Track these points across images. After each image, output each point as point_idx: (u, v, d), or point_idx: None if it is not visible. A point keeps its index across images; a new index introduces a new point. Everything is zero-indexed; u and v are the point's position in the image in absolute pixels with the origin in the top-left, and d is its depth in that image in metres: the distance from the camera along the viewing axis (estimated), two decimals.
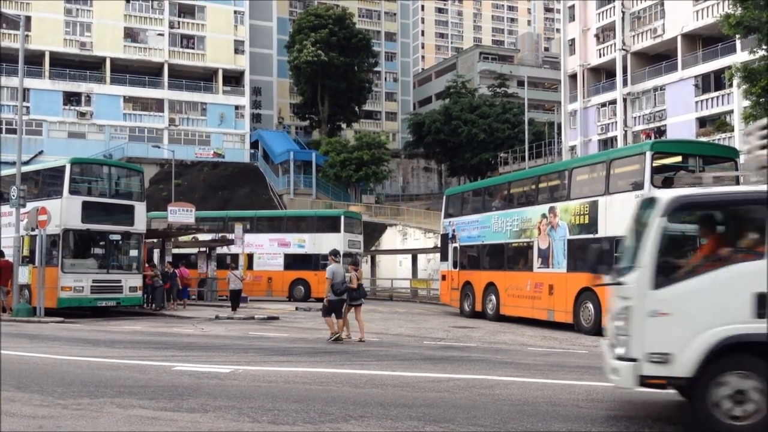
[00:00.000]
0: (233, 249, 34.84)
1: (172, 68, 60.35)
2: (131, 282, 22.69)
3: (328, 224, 33.24)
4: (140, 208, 23.30)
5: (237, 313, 22.60)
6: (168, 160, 53.27)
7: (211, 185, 55.90)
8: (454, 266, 24.67)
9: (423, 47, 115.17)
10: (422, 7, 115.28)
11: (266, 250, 33.39)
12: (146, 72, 60.33)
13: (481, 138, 60.73)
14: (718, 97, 40.83)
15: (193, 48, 61.49)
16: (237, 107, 62.21)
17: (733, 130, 38.91)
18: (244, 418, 7.03)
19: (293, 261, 33.13)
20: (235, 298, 23.48)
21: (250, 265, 33.06)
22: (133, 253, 23.51)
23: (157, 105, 60.01)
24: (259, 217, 36.22)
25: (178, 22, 61.23)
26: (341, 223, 32.67)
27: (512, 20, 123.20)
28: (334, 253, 16.67)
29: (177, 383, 9.01)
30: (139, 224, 23.21)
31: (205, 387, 8.76)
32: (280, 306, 28.49)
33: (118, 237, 22.80)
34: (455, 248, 24.63)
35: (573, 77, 51.90)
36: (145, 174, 27.67)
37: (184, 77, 61.01)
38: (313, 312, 25.35)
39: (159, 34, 60.30)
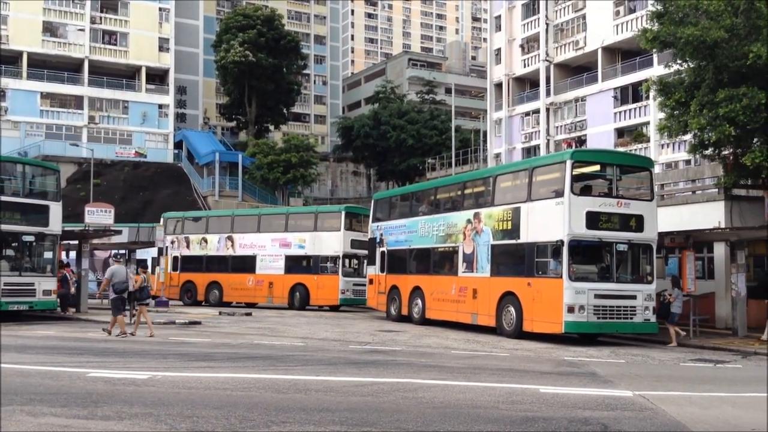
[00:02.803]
0: (154, 252, 33.89)
1: (92, 64, 58.38)
2: (45, 285, 21.78)
3: (329, 222, 29.64)
4: (55, 209, 22.40)
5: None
6: (87, 159, 51.45)
7: (132, 185, 54.32)
8: (382, 270, 24.74)
9: (353, 51, 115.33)
10: (352, 11, 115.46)
11: (268, 251, 30.39)
12: (65, 68, 58.17)
13: (410, 143, 61.25)
14: (635, 108, 42.45)
15: (115, 44, 59.66)
16: (161, 106, 60.69)
17: (648, 141, 40.53)
18: (162, 425, 6.84)
19: (293, 264, 29.85)
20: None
21: (251, 268, 30.61)
22: (48, 254, 22.58)
23: (76, 102, 57.93)
24: (263, 215, 33.33)
25: (100, 18, 59.30)
26: (342, 221, 28.78)
27: (441, 28, 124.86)
28: (116, 255, 18.66)
29: (91, 390, 8.70)
30: (54, 225, 22.29)
31: (121, 394, 8.49)
32: (203, 310, 27.94)
33: (31, 238, 21.85)
34: (383, 252, 24.71)
35: (499, 86, 52.97)
36: (62, 173, 26.63)
37: (105, 74, 59.09)
38: (237, 317, 24.96)
39: (80, 29, 58.25)
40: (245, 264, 30.82)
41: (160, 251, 32.85)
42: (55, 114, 57.04)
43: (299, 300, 29.46)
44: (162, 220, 34.23)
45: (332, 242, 28.51)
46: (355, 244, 28.31)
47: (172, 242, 32.82)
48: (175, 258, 32.74)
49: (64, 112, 57.39)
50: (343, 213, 29.16)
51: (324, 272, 28.80)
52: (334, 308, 29.50)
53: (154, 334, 16.71)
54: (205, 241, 32.19)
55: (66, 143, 53.90)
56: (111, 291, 16.63)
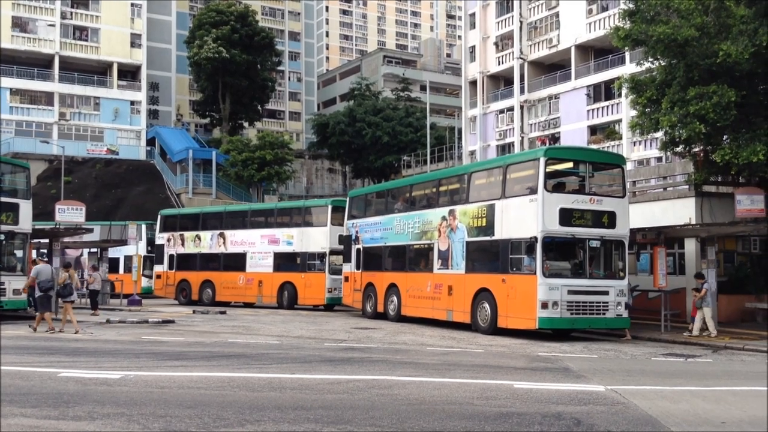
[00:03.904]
0: (126, 250, 33.53)
1: (63, 60, 57.57)
2: (15, 284, 21.41)
3: (315, 217, 28.34)
4: (25, 207, 22.03)
5: (107, 313, 22.18)
6: (58, 157, 50.76)
7: (104, 183, 53.67)
8: (357, 267, 24.70)
9: (327, 48, 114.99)
10: (326, 8, 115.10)
11: (258, 248, 29.25)
12: (35, 64, 57.28)
13: (385, 141, 61.23)
14: (607, 106, 42.88)
15: (86, 40, 58.85)
16: (133, 102, 60.05)
17: (621, 138, 40.97)
18: (134, 425, 6.77)
19: (282, 261, 28.64)
20: (94, 298, 24.61)
21: (242, 266, 29.62)
22: (18, 253, 22.21)
23: (46, 98, 57.05)
24: (253, 211, 32.35)
25: (71, 13, 58.48)
26: (328, 215, 27.40)
27: (415, 25, 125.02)
28: (41, 255, 19.14)
29: (62, 390, 8.59)
30: (24, 223, 21.93)
31: (93, 394, 8.39)
32: (177, 309, 27.70)
33: (1, 237, 21.47)
34: (358, 250, 24.67)
35: (473, 84, 53.17)
36: (32, 171, 26.27)
37: (76, 70, 58.30)
38: (211, 315, 24.80)
39: (50, 25, 57.38)
40: (236, 262, 29.90)
41: (160, 250, 32.48)
42: (25, 111, 56.16)
43: (287, 299, 28.25)
44: (159, 217, 33.91)
45: (319, 238, 27.33)
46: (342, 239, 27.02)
47: (168, 240, 32.40)
48: (171, 256, 32.24)
49: (34, 109, 56.52)
50: (330, 207, 27.70)
51: (312, 270, 27.55)
52: (327, 307, 28.02)
53: (78, 331, 17.18)
54: (199, 239, 31.46)
55: (36, 140, 53.15)
56: (37, 289, 17.45)
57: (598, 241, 17.25)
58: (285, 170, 56.23)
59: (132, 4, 60.36)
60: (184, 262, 31.82)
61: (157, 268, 33.06)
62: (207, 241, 31.16)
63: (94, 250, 31.05)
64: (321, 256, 27.41)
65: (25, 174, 23.15)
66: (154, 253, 33.96)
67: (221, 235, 30.67)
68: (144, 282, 35.14)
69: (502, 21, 50.65)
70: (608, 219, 17.26)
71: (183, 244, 31.97)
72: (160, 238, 32.90)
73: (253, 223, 30.56)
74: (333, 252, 26.96)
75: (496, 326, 17.76)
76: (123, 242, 30.64)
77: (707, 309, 17.67)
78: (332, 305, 27.68)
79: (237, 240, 30.15)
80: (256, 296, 29.42)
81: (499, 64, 51.04)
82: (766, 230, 20.96)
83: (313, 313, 26.68)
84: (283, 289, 28.52)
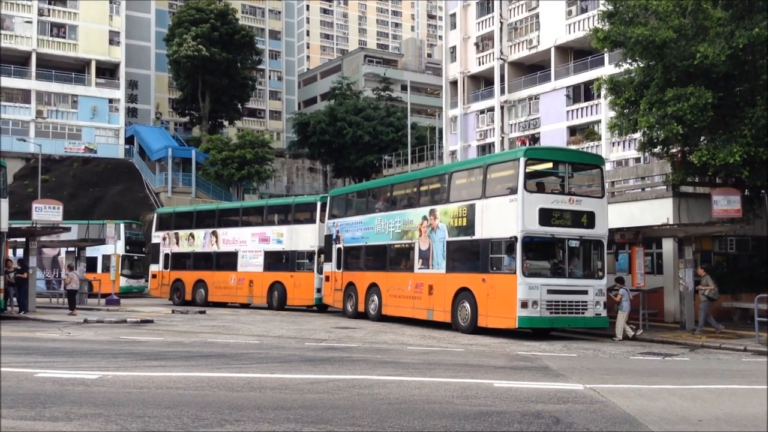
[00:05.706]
0: (104, 249, 33.25)
1: (40, 58, 56.92)
2: None
3: (304, 214, 27.62)
4: (2, 205, 21.75)
5: (87, 313, 21.93)
6: (35, 155, 50.17)
7: (81, 182, 53.12)
8: (338, 267, 24.65)
9: (308, 47, 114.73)
10: (307, 7, 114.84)
11: (249, 247, 28.55)
12: (12, 61, 56.51)
13: (366, 140, 61.24)
14: (587, 107, 43.20)
15: (64, 37, 58.22)
16: (111, 101, 59.50)
17: (600, 139, 41.30)
18: (112, 425, 6.71)
19: (272, 260, 27.89)
20: (72, 298, 24.38)
21: (234, 265, 29.04)
22: None
23: (23, 96, 56.35)
24: (245, 208, 31.76)
25: (49, 10, 57.80)
26: (317, 212, 26.57)
27: (396, 25, 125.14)
28: None
29: (39, 391, 8.49)
30: (0, 222, 21.65)
31: (70, 394, 8.30)
32: (155, 309, 27.49)
33: None
34: (339, 249, 24.63)
35: (454, 84, 53.33)
36: (8, 169, 25.91)
37: (54, 68, 57.66)
38: (190, 315, 24.64)
39: (27, 22, 56.69)
40: (228, 261, 29.31)
41: (156, 249, 32.17)
42: (1, 108, 55.40)
43: (277, 300, 27.43)
44: (155, 215, 33.56)
45: (308, 236, 26.53)
46: None
47: (164, 239, 32.09)
48: (166, 255, 31.89)
49: (11, 107, 55.80)
50: (319, 203, 26.75)
51: (301, 269, 26.80)
52: (321, 308, 27.06)
53: None
54: (192, 237, 31.01)
55: (13, 138, 52.51)
56: None
57: (577, 240, 17.37)
58: (265, 169, 56.04)
59: (110, 1, 59.84)
60: (178, 261, 31.49)
61: (153, 268, 32.81)
62: (200, 240, 30.75)
63: (71, 249, 30.78)
64: (310, 255, 26.66)
65: (1, 172, 22.83)
66: (150, 252, 33.65)
67: (214, 233, 30.21)
68: (122, 281, 34.82)
69: (482, 22, 50.84)
70: (587, 219, 17.38)
71: (177, 243, 31.64)
72: (156, 237, 32.63)
73: (244, 221, 30.08)
74: (322, 251, 26.05)
75: (476, 325, 17.83)
76: (101, 241, 30.36)
77: (622, 313, 17.77)
78: (324, 306, 26.72)
79: (229, 238, 29.66)
80: (247, 296, 28.84)
81: (479, 64, 51.22)
82: (742, 230, 21.24)
83: (294, 314, 26.56)
84: (272, 289, 27.80)
